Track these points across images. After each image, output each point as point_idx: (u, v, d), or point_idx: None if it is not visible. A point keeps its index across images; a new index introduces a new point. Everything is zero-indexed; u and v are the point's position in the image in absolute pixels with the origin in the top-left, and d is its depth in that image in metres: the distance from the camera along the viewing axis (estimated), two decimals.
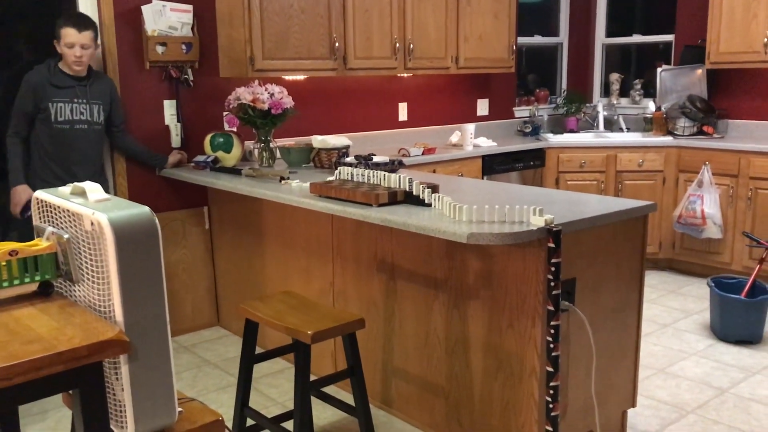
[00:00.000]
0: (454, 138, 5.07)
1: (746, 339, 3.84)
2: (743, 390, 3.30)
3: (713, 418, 3.04)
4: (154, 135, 3.93)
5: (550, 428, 2.48)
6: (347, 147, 3.80)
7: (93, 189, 1.68)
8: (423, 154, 4.56)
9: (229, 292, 4.16)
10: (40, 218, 1.81)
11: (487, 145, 5.04)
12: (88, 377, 1.46)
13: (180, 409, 1.78)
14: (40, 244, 1.71)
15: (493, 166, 4.93)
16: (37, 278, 1.71)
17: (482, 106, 5.63)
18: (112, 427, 1.65)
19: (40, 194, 1.79)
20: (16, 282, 1.69)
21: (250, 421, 2.91)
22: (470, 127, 4.90)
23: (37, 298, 1.73)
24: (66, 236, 1.69)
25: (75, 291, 1.71)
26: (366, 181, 2.96)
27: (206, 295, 4.25)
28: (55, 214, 1.73)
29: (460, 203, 2.56)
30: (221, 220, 4.12)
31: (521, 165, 5.12)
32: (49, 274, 1.72)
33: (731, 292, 3.96)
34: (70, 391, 1.57)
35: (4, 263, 1.65)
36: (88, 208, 1.59)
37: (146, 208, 1.59)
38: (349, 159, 3.64)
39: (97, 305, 1.61)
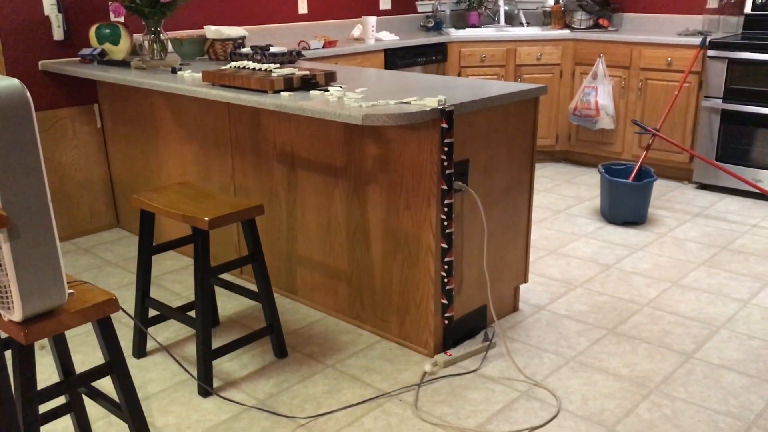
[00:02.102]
0: (356, 32, 4.98)
1: (632, 220, 4.09)
2: (626, 265, 3.54)
3: (598, 290, 3.27)
4: (32, 26, 3.67)
5: (445, 301, 2.61)
6: (243, 38, 3.68)
7: None
8: (324, 47, 4.48)
9: (127, 191, 4.05)
10: None
11: (390, 39, 4.99)
12: None
13: (71, 291, 1.76)
14: None
15: (395, 60, 4.90)
16: None
17: (384, 0, 5.53)
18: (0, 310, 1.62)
19: None
20: None
21: (153, 313, 2.92)
22: (372, 20, 4.82)
23: None
24: None
25: None
26: (262, 70, 2.90)
27: (103, 196, 4.12)
28: None
29: (357, 88, 2.55)
30: (113, 118, 3.95)
31: (424, 60, 5.11)
32: None
33: (620, 177, 4.18)
34: None
35: None
36: None
37: (16, 80, 1.51)
38: (245, 50, 3.54)
39: None
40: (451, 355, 2.66)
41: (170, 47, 3.78)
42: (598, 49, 5.05)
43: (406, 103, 2.45)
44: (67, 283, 1.82)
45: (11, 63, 3.63)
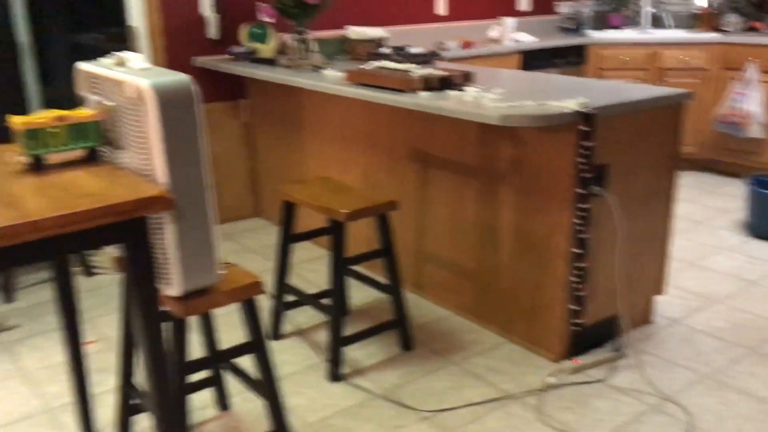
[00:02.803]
0: (493, 33, 4.97)
1: None
2: None
3: (740, 307, 3.09)
4: (189, 25, 3.95)
5: (576, 307, 2.57)
6: (383, 39, 3.78)
7: (134, 58, 1.73)
8: (461, 48, 4.50)
9: (269, 183, 4.27)
10: (85, 89, 1.88)
11: (528, 40, 4.94)
12: (134, 231, 1.56)
13: (222, 271, 1.90)
14: (84, 112, 1.79)
15: (532, 62, 4.85)
16: (84, 144, 1.80)
17: (523, 1, 5.48)
18: (160, 285, 1.77)
19: (84, 66, 1.86)
20: (63, 147, 1.77)
21: (288, 299, 3.06)
22: (510, 22, 4.80)
23: (84, 163, 1.82)
24: (110, 104, 1.76)
25: (121, 156, 1.80)
26: (401, 70, 2.97)
27: (246, 187, 4.36)
28: (99, 84, 1.80)
29: (495, 89, 2.57)
30: (259, 113, 4.18)
31: (562, 61, 5.02)
32: (95, 141, 1.81)
33: None
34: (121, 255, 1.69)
35: (51, 129, 1.74)
36: (131, 76, 1.65)
37: (185, 76, 1.65)
38: (384, 50, 3.63)
39: (142, 168, 1.70)
40: (579, 362, 2.62)
41: (314, 47, 3.95)
42: (750, 54, 4.75)
43: (544, 104, 2.43)
44: (219, 263, 1.96)
45: (171, 59, 3.92)
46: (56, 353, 2.83)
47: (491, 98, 2.56)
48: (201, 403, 2.48)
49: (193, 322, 2.89)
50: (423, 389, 2.54)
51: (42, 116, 1.74)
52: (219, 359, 2.04)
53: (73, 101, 2.75)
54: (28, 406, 2.50)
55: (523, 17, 5.48)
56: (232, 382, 2.59)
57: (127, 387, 2.13)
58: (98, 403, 2.48)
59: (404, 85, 2.77)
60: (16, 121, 1.71)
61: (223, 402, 2.43)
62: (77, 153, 1.85)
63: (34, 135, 1.72)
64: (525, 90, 2.79)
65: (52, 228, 1.44)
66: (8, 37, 3.57)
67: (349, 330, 2.98)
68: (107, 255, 3.73)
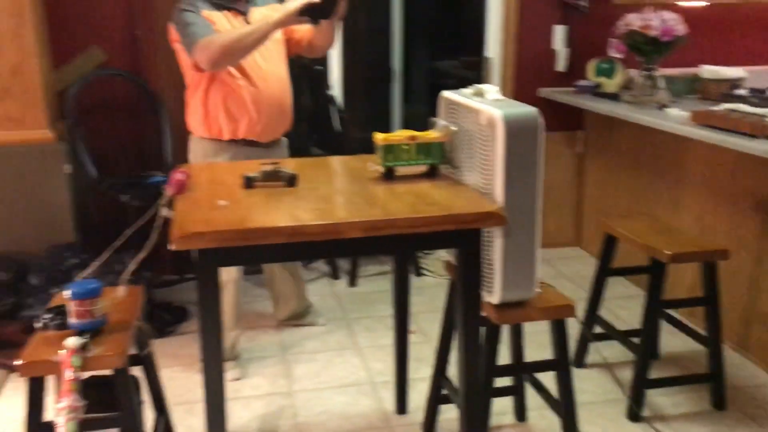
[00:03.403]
0: None
1: None
2: None
3: None
4: (540, 58, 4.18)
5: None
6: (740, 79, 3.58)
7: (490, 90, 1.97)
8: None
9: (592, 214, 4.31)
10: (443, 113, 2.18)
11: None
12: (469, 240, 1.79)
13: (538, 289, 2.04)
14: (433, 134, 2.08)
15: None
16: (428, 161, 2.09)
17: None
18: (482, 292, 1.99)
19: (447, 94, 2.15)
20: (412, 162, 2.08)
21: (597, 331, 3.10)
22: None
23: (426, 177, 2.10)
24: (454, 128, 2.02)
25: (463, 175, 2.05)
26: (757, 114, 2.81)
27: (570, 215, 4.45)
28: (457, 110, 2.07)
29: None
30: (594, 145, 4.24)
31: None
32: (437, 159, 2.09)
33: None
34: (453, 262, 1.93)
35: (405, 146, 2.05)
36: (486, 105, 1.89)
37: (533, 109, 1.84)
38: (741, 92, 3.44)
39: (482, 187, 1.93)
40: None
41: (661, 84, 3.89)
42: None
43: None
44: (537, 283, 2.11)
45: (518, 89, 4.19)
46: (384, 336, 3.25)
47: None
48: (501, 409, 2.65)
49: (504, 331, 3.08)
50: None
51: (398, 134, 2.06)
52: (524, 369, 2.19)
53: (425, 120, 3.13)
54: (357, 376, 2.93)
55: None
56: (531, 396, 2.72)
57: (440, 377, 2.39)
58: (411, 387, 2.80)
59: (757, 130, 2.63)
60: (378, 137, 2.06)
61: (521, 412, 2.57)
62: (421, 168, 2.14)
63: (390, 150, 2.05)
64: None
65: (405, 227, 1.73)
66: (386, 63, 4.16)
67: (655, 373, 2.90)
68: (437, 259, 4.13)
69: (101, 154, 3.68)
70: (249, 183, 1.98)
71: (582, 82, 4.01)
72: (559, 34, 4.15)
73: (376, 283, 3.91)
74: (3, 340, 3.01)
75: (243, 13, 2.75)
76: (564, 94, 4.03)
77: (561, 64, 4.19)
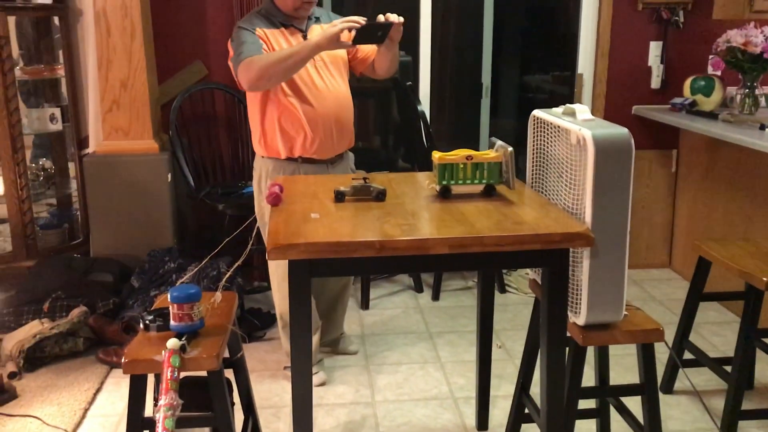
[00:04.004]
0: None
1: None
2: None
3: None
4: (634, 74, 4.09)
5: None
6: None
7: (582, 110, 1.97)
8: None
9: (685, 236, 4.17)
10: (532, 131, 2.18)
11: None
12: (556, 259, 1.79)
13: (626, 312, 2.01)
14: (490, 154, 2.09)
15: None
16: (485, 181, 2.09)
17: None
18: (568, 312, 1.98)
19: (539, 112, 2.16)
20: (468, 181, 2.09)
21: (687, 357, 3.00)
22: None
23: (482, 196, 2.09)
24: (510, 149, 2.03)
25: (549, 192, 2.05)
26: None
27: (661, 236, 4.33)
28: (547, 129, 2.08)
29: None
30: (689, 165, 4.11)
31: None
32: (494, 179, 2.09)
33: None
34: (538, 281, 1.94)
35: (462, 165, 2.06)
36: (576, 125, 1.89)
37: (625, 130, 1.82)
38: None
39: (570, 207, 1.92)
40: None
41: (763, 102, 3.74)
42: None
43: None
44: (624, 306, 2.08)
45: (610, 106, 4.12)
46: (466, 351, 3.26)
47: None
48: (583, 431, 2.61)
49: (589, 352, 3.04)
50: None
51: (455, 154, 2.08)
52: (609, 392, 2.16)
53: (515, 135, 3.15)
54: (439, 390, 2.95)
55: None
56: (615, 421, 2.67)
57: (523, 395, 2.39)
58: (493, 404, 2.79)
59: None
60: (435, 155, 2.08)
61: None
62: (477, 187, 2.14)
63: (446, 168, 2.07)
64: None
65: (492, 245, 1.75)
66: (476, 77, 4.19)
67: (749, 404, 2.79)
68: (521, 276, 4.10)
69: (200, 164, 3.87)
70: (340, 197, 2.05)
71: (677, 100, 3.91)
72: (654, 50, 4.07)
73: (459, 297, 3.92)
74: (105, 338, 3.20)
75: (301, 30, 2.72)
76: (658, 112, 3.93)
77: (656, 81, 4.09)
